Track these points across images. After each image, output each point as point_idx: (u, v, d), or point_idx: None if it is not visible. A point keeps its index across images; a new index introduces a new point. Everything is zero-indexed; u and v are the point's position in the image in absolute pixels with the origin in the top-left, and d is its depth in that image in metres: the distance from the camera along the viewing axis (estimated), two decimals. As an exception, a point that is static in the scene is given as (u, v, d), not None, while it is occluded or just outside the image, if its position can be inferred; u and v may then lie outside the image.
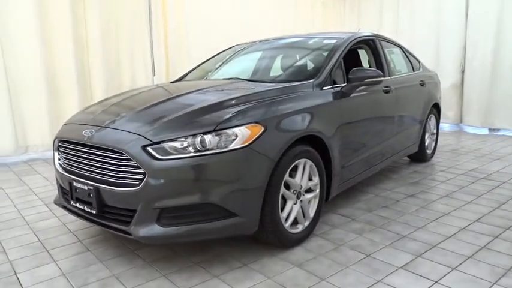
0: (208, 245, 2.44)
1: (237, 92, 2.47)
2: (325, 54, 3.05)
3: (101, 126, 2.24)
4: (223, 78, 3.20)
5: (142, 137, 2.02)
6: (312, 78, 2.74)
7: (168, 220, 2.00)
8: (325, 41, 3.33)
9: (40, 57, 4.94)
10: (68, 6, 5.11)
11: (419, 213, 2.96)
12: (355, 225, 2.74)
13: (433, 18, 6.98)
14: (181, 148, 1.99)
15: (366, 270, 2.12)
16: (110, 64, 5.64)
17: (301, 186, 2.43)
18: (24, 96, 4.92)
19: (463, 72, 6.74)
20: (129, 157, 2.00)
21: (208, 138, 2.00)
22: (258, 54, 3.65)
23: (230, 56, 3.74)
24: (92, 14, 5.38)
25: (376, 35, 3.75)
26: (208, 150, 1.99)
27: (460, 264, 2.17)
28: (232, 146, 2.02)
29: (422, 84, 4.21)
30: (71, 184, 2.30)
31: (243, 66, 3.57)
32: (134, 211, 2.02)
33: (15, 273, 2.16)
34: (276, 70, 3.31)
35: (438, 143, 4.96)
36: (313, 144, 2.51)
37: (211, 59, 3.90)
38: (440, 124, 4.94)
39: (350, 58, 3.73)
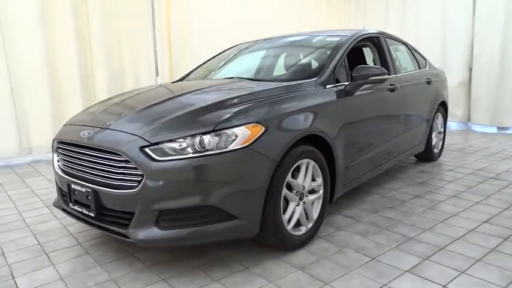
0: (208, 247, 2.39)
1: (237, 92, 2.42)
2: (328, 52, 2.99)
3: (99, 127, 2.20)
4: (225, 78, 3.15)
5: (140, 138, 1.97)
6: (315, 77, 2.68)
7: (166, 223, 1.95)
8: (328, 39, 3.27)
9: (43, 59, 4.93)
10: (70, 8, 5.10)
11: (426, 214, 2.89)
12: (360, 227, 2.67)
13: (439, 16, 6.88)
14: (180, 149, 1.94)
15: (371, 273, 2.06)
16: (113, 65, 5.62)
17: (304, 187, 2.37)
18: (28, 97, 4.91)
19: (470, 69, 6.63)
20: (126, 158, 1.95)
21: (207, 138, 1.95)
22: (261, 53, 3.60)
23: (232, 55, 3.69)
24: (94, 15, 5.36)
25: (381, 33, 3.67)
26: (207, 151, 1.94)
27: (469, 267, 2.10)
28: (232, 147, 1.96)
29: (428, 82, 4.13)
30: (69, 186, 2.26)
31: (245, 65, 3.52)
32: (132, 214, 1.98)
33: (13, 277, 2.13)
34: (279, 69, 3.26)
35: (445, 142, 4.87)
36: (316, 144, 2.45)
37: (214, 58, 3.85)
38: (448, 123, 4.86)
39: (354, 56, 3.66)
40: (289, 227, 2.27)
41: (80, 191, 2.17)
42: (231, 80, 2.96)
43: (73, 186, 2.23)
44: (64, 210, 2.42)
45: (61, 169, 2.40)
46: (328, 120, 2.52)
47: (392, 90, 3.36)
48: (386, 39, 3.70)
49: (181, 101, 2.38)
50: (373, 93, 3.10)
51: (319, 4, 8.24)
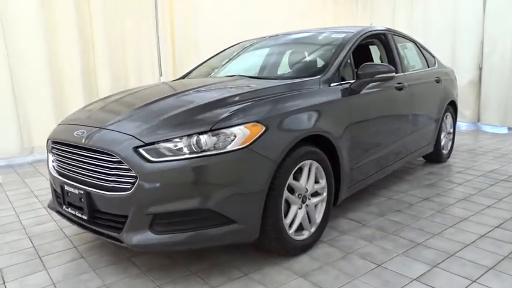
0: (207, 252, 2.30)
1: (237, 90, 2.32)
2: (333, 49, 2.88)
3: (93, 127, 2.12)
4: (226, 76, 3.06)
5: (133, 138, 1.89)
6: (319, 75, 2.58)
7: (161, 227, 1.86)
8: (333, 36, 3.16)
9: (45, 59, 4.88)
10: (73, 7, 5.04)
11: (435, 218, 2.77)
12: (366, 231, 2.56)
13: (448, 13, 6.72)
14: (176, 149, 1.85)
15: (377, 282, 1.95)
16: (116, 64, 5.56)
17: (307, 190, 2.27)
18: (29, 97, 4.86)
19: (480, 68, 6.47)
20: (119, 159, 1.86)
21: (204, 138, 1.86)
22: (264, 50, 3.50)
23: (235, 53, 3.60)
24: (96, 14, 5.30)
25: (388, 29, 3.56)
26: (204, 151, 1.84)
27: (480, 276, 1.98)
28: (230, 147, 1.87)
29: (437, 81, 4.01)
30: (62, 188, 2.19)
31: (248, 63, 3.42)
32: (126, 217, 1.89)
33: (4, 282, 2.05)
34: (282, 66, 3.16)
35: (455, 143, 4.73)
36: (320, 145, 2.35)
37: (217, 56, 3.77)
38: (457, 123, 4.72)
39: (360, 54, 3.55)
40: (291, 231, 2.17)
41: (73, 192, 2.09)
42: (232, 78, 2.86)
43: (66, 187, 2.15)
44: (58, 212, 2.34)
45: (55, 170, 2.32)
46: (332, 119, 2.42)
47: (400, 89, 3.25)
48: (393, 36, 3.58)
49: (179, 99, 2.29)
50: (380, 92, 2.99)
51: (326, 3, 8.12)
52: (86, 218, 2.03)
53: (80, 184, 2.05)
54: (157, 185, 1.81)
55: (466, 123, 6.74)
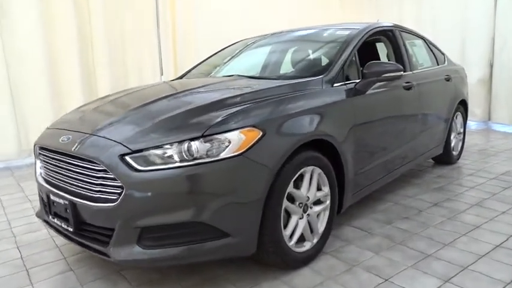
0: (200, 266, 2.15)
1: (234, 91, 2.18)
2: (337, 47, 2.72)
3: (80, 132, 1.99)
4: (225, 76, 2.91)
5: (120, 145, 1.75)
6: (322, 74, 2.42)
7: (150, 241, 1.73)
8: (338, 33, 3.01)
9: (43, 59, 4.76)
10: (71, 4, 4.92)
11: (446, 225, 2.61)
12: (372, 241, 2.41)
13: (458, 9, 6.50)
14: (165, 157, 1.71)
15: (383, 299, 1.81)
16: (116, 63, 5.43)
17: (308, 198, 2.12)
18: (27, 98, 4.75)
19: (491, 65, 6.25)
20: (105, 168, 1.73)
21: (195, 145, 1.72)
22: (265, 48, 3.35)
23: (236, 51, 3.45)
24: (96, 12, 5.17)
25: (396, 26, 3.39)
26: (195, 159, 1.71)
27: (497, 293, 1.83)
28: (223, 155, 1.73)
29: (447, 79, 3.83)
30: (48, 197, 2.06)
31: (248, 62, 3.27)
32: (113, 230, 1.76)
33: (-14, 298, 1.94)
34: (283, 65, 3.01)
35: (465, 143, 4.54)
36: (322, 150, 2.20)
37: (217, 54, 3.62)
38: (467, 122, 4.54)
39: (366, 51, 3.38)
40: (291, 243, 2.02)
41: (59, 202, 1.96)
42: (231, 78, 2.71)
43: (52, 197, 2.02)
44: (46, 222, 2.22)
45: (42, 177, 2.19)
46: (336, 122, 2.27)
47: (408, 88, 3.08)
48: (401, 32, 3.41)
49: (172, 101, 2.15)
50: (387, 92, 2.83)
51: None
52: (71, 229, 1.90)
53: (66, 194, 1.92)
54: (146, 196, 1.68)
55: (476, 122, 6.53)
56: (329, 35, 3.09)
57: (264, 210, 1.84)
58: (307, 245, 2.13)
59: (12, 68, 4.60)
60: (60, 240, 2.55)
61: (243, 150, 1.76)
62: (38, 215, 2.33)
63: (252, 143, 1.79)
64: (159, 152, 1.72)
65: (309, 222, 2.14)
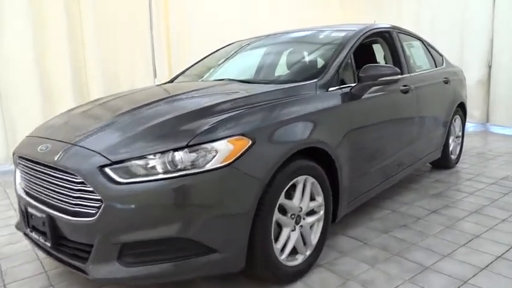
0: (185, 280, 2.04)
1: (223, 97, 2.08)
2: (332, 49, 2.62)
3: (59, 141, 1.88)
4: (214, 80, 2.81)
5: (99, 155, 1.64)
6: (316, 78, 2.32)
7: (131, 258, 1.62)
8: (333, 35, 2.91)
9: (33, 61, 4.63)
10: (62, 6, 4.79)
11: (445, 234, 2.52)
12: (368, 252, 2.31)
13: (456, 10, 6.41)
14: (147, 168, 1.61)
15: (380, 318, 1.71)
16: (108, 65, 5.30)
17: (301, 209, 2.02)
18: (16, 101, 4.62)
19: (489, 67, 6.17)
20: (83, 180, 1.63)
21: (179, 155, 1.61)
22: (258, 51, 3.25)
23: (229, 54, 3.34)
24: (87, 12, 5.05)
25: (393, 27, 3.29)
26: (180, 170, 1.60)
27: (500, 311, 1.73)
28: (210, 165, 1.62)
29: (446, 82, 3.74)
30: (26, 209, 1.95)
31: (240, 65, 3.17)
32: (92, 246, 1.65)
33: (-41, 316, 1.82)
34: (276, 69, 2.90)
35: (463, 146, 4.45)
36: (316, 158, 2.10)
37: (209, 57, 3.52)
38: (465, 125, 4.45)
39: (363, 54, 3.28)
40: (283, 257, 1.92)
41: (36, 215, 1.85)
42: (221, 82, 2.61)
43: (29, 209, 1.91)
44: (25, 234, 2.10)
45: (21, 188, 2.08)
46: (330, 129, 2.17)
47: (405, 92, 2.99)
48: (399, 34, 3.31)
49: (158, 108, 2.04)
50: (384, 96, 2.73)
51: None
52: (49, 245, 1.79)
53: (44, 206, 1.81)
54: (126, 210, 1.58)
55: (474, 124, 6.45)
56: (324, 37, 2.99)
57: (253, 224, 1.73)
58: (299, 258, 2.03)
59: (0, 70, 4.48)
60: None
61: (230, 161, 1.65)
62: (18, 227, 2.22)
63: (240, 153, 1.69)
64: (141, 162, 1.61)
65: (301, 234, 2.04)
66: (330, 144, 2.12)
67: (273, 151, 1.81)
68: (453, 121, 3.96)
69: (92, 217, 1.61)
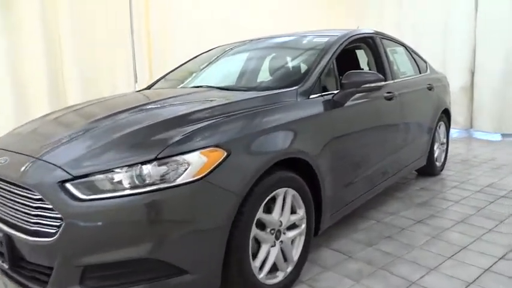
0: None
1: (199, 105, 1.96)
2: (314, 55, 2.53)
3: (19, 153, 1.74)
4: (193, 86, 2.70)
5: (60, 169, 1.51)
6: (297, 85, 2.23)
7: (94, 281, 1.49)
8: (315, 40, 2.83)
9: (5, 62, 4.45)
10: (39, 8, 4.62)
11: (430, 246, 2.44)
12: (352, 266, 2.22)
13: (439, 17, 6.42)
14: (113, 183, 1.48)
15: None
16: (87, 70, 5.13)
17: (281, 223, 1.91)
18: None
19: (472, 73, 6.19)
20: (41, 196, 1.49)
21: (148, 169, 1.49)
22: (240, 56, 3.15)
23: (209, 60, 3.23)
24: (64, 15, 4.89)
25: (376, 32, 3.23)
26: (148, 185, 1.48)
27: (489, 330, 1.65)
28: (181, 180, 1.50)
29: (430, 88, 3.69)
30: (-17, 227, 1.80)
31: (220, 71, 3.06)
32: (52, 268, 1.51)
33: None
34: (257, 76, 2.80)
35: (448, 152, 4.41)
36: (297, 168, 2.00)
37: (188, 63, 3.40)
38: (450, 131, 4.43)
39: (346, 60, 3.21)
40: (262, 275, 1.81)
41: (-7, 234, 1.70)
42: (199, 89, 2.50)
43: (-14, 227, 1.76)
44: (-16, 252, 1.95)
45: (-20, 202, 1.93)
46: (311, 138, 2.07)
47: (389, 99, 2.92)
48: (382, 40, 3.25)
49: (130, 117, 1.91)
50: (368, 103, 2.66)
51: (312, 5, 7.78)
52: (6, 266, 1.65)
53: (1, 224, 1.67)
54: (88, 229, 1.45)
55: (458, 129, 6.45)
56: (307, 43, 2.91)
57: (228, 241, 1.62)
58: (280, 276, 1.92)
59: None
60: (7, 270, 2.27)
61: (203, 174, 1.54)
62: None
63: (214, 165, 1.57)
64: (106, 177, 1.49)
65: (282, 250, 1.93)
66: (311, 154, 2.03)
67: (251, 163, 1.70)
68: (438, 128, 3.91)
69: (51, 237, 1.47)
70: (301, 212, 2.03)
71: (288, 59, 2.79)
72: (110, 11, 5.27)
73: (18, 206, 1.61)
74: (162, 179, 1.50)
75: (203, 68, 3.15)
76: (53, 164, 1.54)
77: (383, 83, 2.49)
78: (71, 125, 2.03)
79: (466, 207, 3.10)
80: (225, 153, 1.62)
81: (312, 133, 2.08)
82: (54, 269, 1.49)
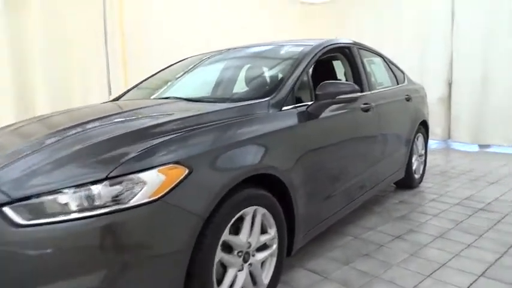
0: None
1: (162, 118, 1.82)
2: (287, 65, 2.44)
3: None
4: (162, 98, 2.56)
5: (-2, 191, 1.35)
6: (269, 96, 2.12)
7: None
8: (290, 50, 2.74)
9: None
10: (4, 16, 4.41)
11: (409, 264, 2.34)
12: (327, 287, 2.09)
13: (416, 28, 6.46)
14: (59, 206, 1.33)
15: None
16: (57, 80, 4.92)
17: (250, 245, 1.78)
18: None
19: (450, 84, 6.22)
20: (-24, 221, 1.33)
21: (98, 189, 1.34)
22: (213, 67, 3.03)
23: (182, 70, 3.10)
24: (34, 23, 4.69)
25: (354, 43, 3.16)
26: (99, 208, 1.33)
27: None
28: (136, 201, 1.36)
29: (407, 99, 3.64)
30: None
31: (192, 82, 2.92)
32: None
33: None
34: (227, 86, 2.69)
35: (426, 164, 4.37)
36: (267, 185, 1.88)
37: (160, 74, 3.26)
38: (428, 142, 4.39)
39: (322, 70, 3.13)
40: (228, 302, 1.67)
41: None
42: (166, 101, 2.36)
43: None
44: None
45: None
46: (283, 153, 1.96)
47: (366, 110, 2.84)
48: (359, 50, 3.18)
49: (85, 131, 1.76)
50: (344, 115, 2.57)
51: (291, 14, 7.75)
52: None
53: None
54: (29, 258, 1.29)
55: (436, 140, 6.46)
56: (281, 52, 2.82)
57: (190, 267, 1.48)
58: (248, 302, 1.78)
59: None
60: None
61: (161, 194, 1.40)
62: None
63: (174, 184, 1.44)
64: (51, 199, 1.33)
65: (251, 273, 1.80)
66: (283, 169, 1.91)
67: (215, 180, 1.57)
68: (416, 139, 3.86)
69: (-14, 268, 1.31)
70: (272, 231, 1.91)
71: (262, 69, 2.69)
72: (83, 21, 5.10)
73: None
74: (115, 200, 1.35)
75: (176, 79, 3.02)
76: (-10, 185, 1.38)
77: (359, 94, 2.40)
78: (25, 138, 1.87)
79: (444, 220, 3.03)
80: (186, 171, 1.48)
81: (283, 147, 1.96)
82: (-11, 304, 1.32)
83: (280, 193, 1.96)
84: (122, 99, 2.95)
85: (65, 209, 1.32)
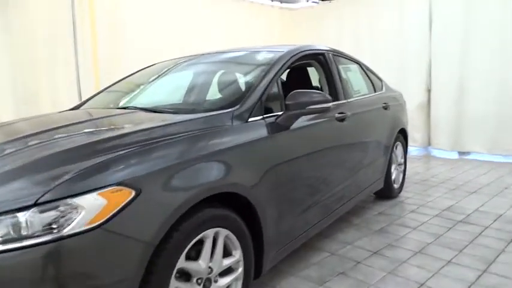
0: None
1: (112, 132, 1.65)
2: (256, 73, 2.29)
3: None
4: (121, 107, 2.39)
5: None
6: (233, 107, 1.96)
7: None
8: (260, 56, 2.60)
9: None
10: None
11: (387, 283, 2.20)
12: (299, 312, 1.94)
13: (394, 35, 6.41)
14: (-20, 236, 1.15)
15: None
16: (22, 86, 4.70)
17: (212, 270, 1.62)
18: None
19: (429, 90, 6.18)
20: None
21: (25, 217, 1.17)
22: (180, 74, 2.86)
23: (147, 77, 2.92)
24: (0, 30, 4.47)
25: (329, 49, 3.04)
26: (27, 238, 1.16)
27: None
28: (71, 229, 1.19)
29: (385, 108, 3.54)
30: None
31: (155, 90, 2.74)
32: None
33: None
34: (193, 95, 2.53)
35: (406, 174, 4.27)
36: (230, 203, 1.72)
37: (126, 80, 3.08)
38: (408, 147, 4.29)
39: (296, 78, 3.02)
40: (184, 337, 1.50)
41: None
42: (123, 111, 2.19)
43: None
44: None
45: None
46: (248, 168, 1.81)
47: (341, 120, 2.71)
48: (335, 56, 3.06)
49: (23, 148, 1.56)
50: (317, 125, 2.42)
51: (268, 19, 7.65)
52: None
53: None
54: None
55: (416, 147, 6.40)
56: (252, 59, 2.68)
57: (139, 300, 1.31)
58: (209, 334, 1.61)
59: None
60: None
61: (101, 221, 1.23)
62: None
63: (117, 209, 1.27)
64: (-30, 228, 1.15)
65: (212, 302, 1.64)
66: (247, 186, 1.76)
67: (168, 202, 1.41)
68: (394, 148, 3.76)
69: None
70: (237, 253, 1.75)
71: (230, 77, 2.53)
72: (51, 25, 4.88)
73: None
74: (47, 229, 1.18)
75: (143, 85, 2.84)
76: None
77: (330, 104, 2.26)
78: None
79: (424, 234, 2.91)
80: (133, 193, 1.32)
81: (248, 162, 1.81)
82: None
83: (248, 211, 1.81)
84: (82, 107, 2.76)
85: (-13, 240, 1.14)
